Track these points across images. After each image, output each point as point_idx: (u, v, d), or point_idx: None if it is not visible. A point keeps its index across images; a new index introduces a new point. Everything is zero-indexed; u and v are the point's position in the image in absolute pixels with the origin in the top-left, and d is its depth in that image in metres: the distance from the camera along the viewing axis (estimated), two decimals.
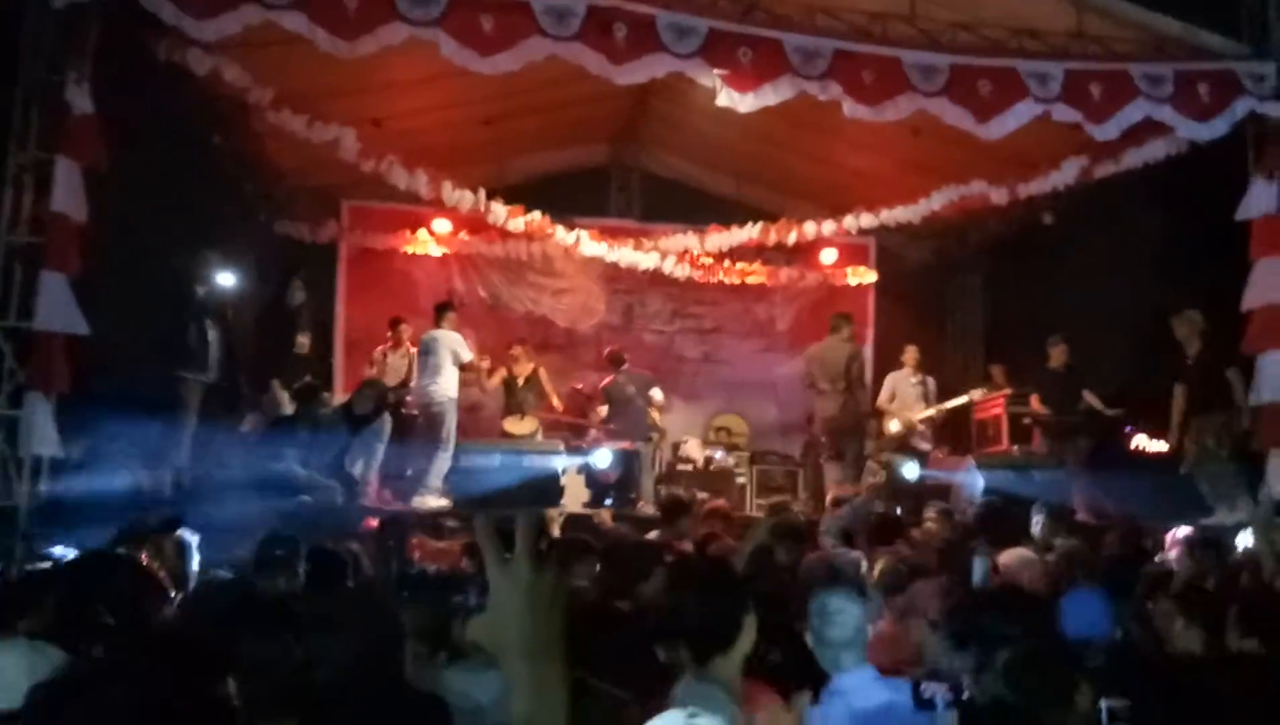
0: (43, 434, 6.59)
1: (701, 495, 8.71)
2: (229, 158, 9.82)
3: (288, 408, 9.49)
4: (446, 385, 9.73)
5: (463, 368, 9.92)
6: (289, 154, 10.26)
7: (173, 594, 4.23)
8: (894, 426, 10.56)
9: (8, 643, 2.37)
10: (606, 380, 10.69)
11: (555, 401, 11.15)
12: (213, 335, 8.64)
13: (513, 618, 1.30)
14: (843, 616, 3.37)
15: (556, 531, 7.82)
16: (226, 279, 9.11)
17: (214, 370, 8.63)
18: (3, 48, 6.56)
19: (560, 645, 1.32)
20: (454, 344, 9.86)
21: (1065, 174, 9.56)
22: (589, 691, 1.99)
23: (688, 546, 6.00)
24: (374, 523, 7.24)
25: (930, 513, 7.83)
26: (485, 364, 10.57)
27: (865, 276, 13.12)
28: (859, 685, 3.23)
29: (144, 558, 4.49)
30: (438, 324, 10.05)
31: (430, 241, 12.12)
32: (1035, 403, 10.33)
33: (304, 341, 10.44)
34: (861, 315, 12.74)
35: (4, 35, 6.53)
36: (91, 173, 6.77)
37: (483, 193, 10.42)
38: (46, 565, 5.00)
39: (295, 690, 2.10)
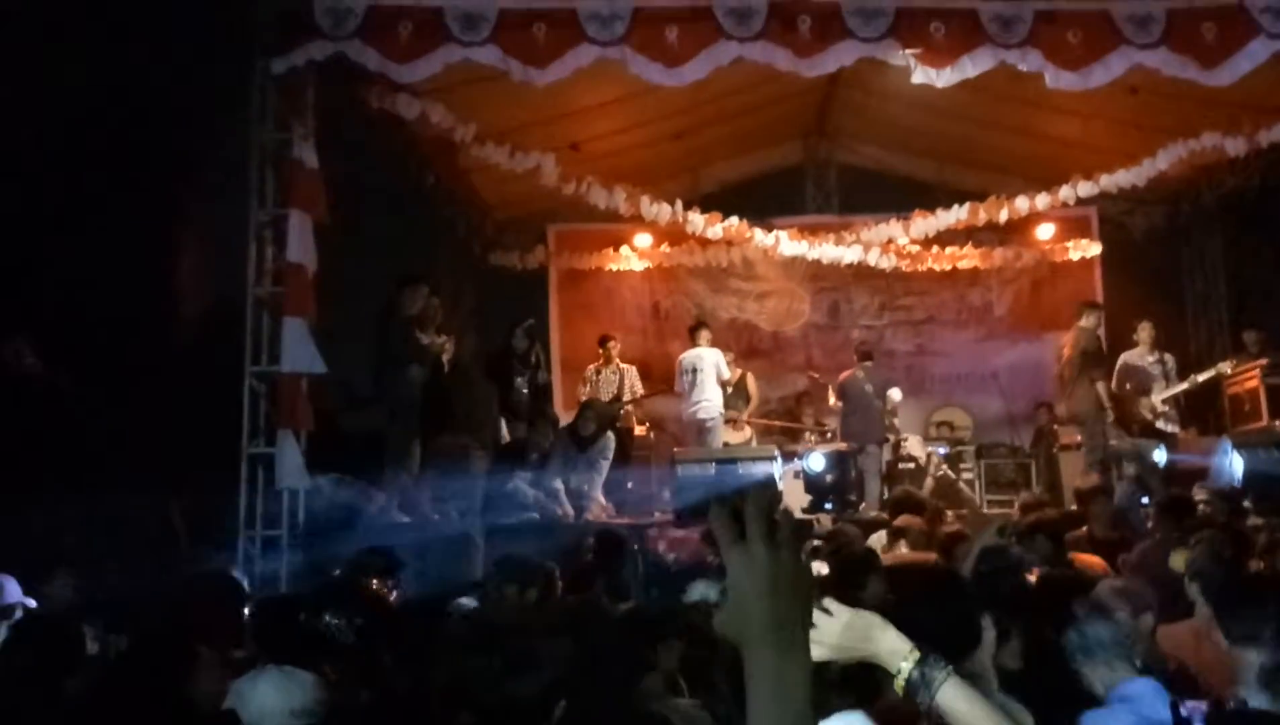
0: (292, 469, 7.10)
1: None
2: (442, 197, 10.33)
3: (506, 436, 9.82)
4: (716, 401, 10.07)
5: (724, 384, 10.18)
6: (495, 188, 10.73)
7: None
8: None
9: (262, 671, 2.51)
10: (845, 375, 10.33)
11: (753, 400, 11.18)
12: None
13: (752, 603, 1.21)
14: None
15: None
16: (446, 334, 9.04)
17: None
18: (234, 114, 7.14)
19: (805, 634, 1.23)
20: (717, 360, 10.18)
21: None
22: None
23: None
24: None
25: (1200, 493, 7.12)
26: None
27: (1089, 250, 12.29)
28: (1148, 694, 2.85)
29: (374, 584, 4.69)
30: (694, 342, 10.31)
31: (633, 257, 12.32)
32: None
33: (521, 383, 10.17)
34: (1087, 291, 11.97)
35: (235, 103, 7.10)
36: (319, 224, 7.27)
37: (679, 204, 10.49)
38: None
39: (499, 707, 2.14)
